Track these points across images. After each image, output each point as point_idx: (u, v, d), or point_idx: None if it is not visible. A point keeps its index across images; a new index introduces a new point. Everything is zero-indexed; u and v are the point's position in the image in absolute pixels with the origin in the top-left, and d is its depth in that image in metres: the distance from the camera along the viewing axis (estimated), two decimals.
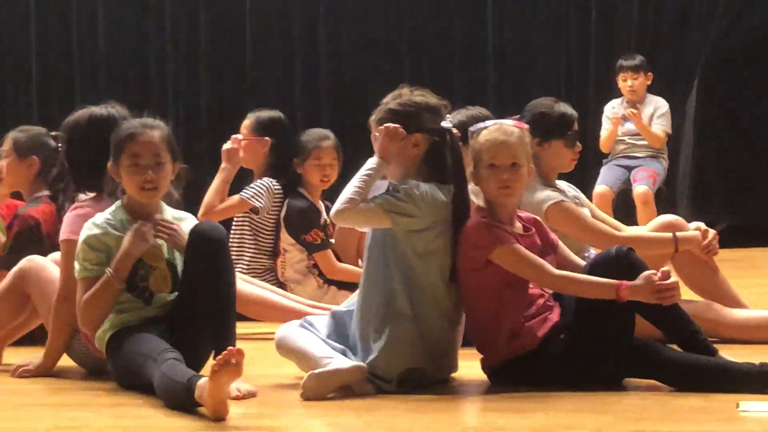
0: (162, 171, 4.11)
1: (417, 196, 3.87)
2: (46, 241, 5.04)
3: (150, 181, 4.08)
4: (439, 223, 3.93)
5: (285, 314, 5.24)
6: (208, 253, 4.01)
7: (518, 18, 11.09)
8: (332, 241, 6.28)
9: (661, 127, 8.87)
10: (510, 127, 4.02)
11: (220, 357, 3.40)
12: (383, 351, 3.87)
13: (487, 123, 4.06)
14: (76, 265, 4.14)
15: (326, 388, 3.76)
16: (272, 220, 6.30)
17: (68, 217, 4.44)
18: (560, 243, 4.17)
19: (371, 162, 3.99)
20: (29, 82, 11.59)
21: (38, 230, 5.14)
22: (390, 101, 4.07)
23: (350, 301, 4.62)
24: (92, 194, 4.53)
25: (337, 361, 3.85)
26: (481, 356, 4.07)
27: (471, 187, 4.16)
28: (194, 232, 4.08)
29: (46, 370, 4.46)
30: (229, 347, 3.45)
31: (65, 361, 4.60)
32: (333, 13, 11.25)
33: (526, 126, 4.14)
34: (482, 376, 4.06)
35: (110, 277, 4.00)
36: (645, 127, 8.78)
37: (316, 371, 3.78)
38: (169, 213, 4.24)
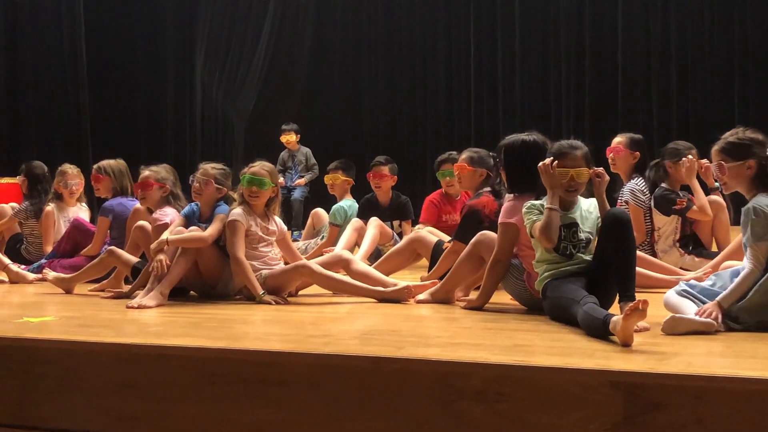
0: (582, 178, 4.33)
1: (761, 212, 3.89)
2: (486, 221, 5.30)
3: (572, 187, 4.33)
4: None
5: (650, 281, 5.34)
6: (621, 230, 4.13)
7: None
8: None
9: None
10: None
11: (632, 304, 3.46)
12: (753, 306, 3.87)
13: None
14: (526, 222, 4.39)
15: (678, 329, 3.77)
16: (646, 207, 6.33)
17: (504, 207, 4.70)
18: None
19: None
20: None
21: (480, 214, 5.41)
22: (729, 136, 4.11)
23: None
24: (514, 194, 4.72)
25: (692, 314, 3.87)
26: None
27: None
28: (611, 213, 4.22)
29: (479, 307, 4.70)
30: (640, 299, 3.50)
31: (500, 299, 4.87)
32: None
33: None
34: None
35: (550, 209, 4.23)
36: None
37: (677, 315, 3.83)
38: (585, 203, 4.43)
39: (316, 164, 11.18)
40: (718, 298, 3.89)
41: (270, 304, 5.05)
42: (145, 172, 6.01)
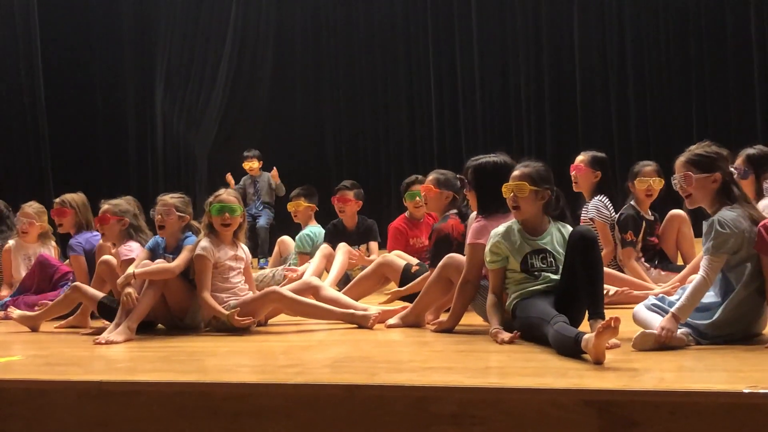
0: (522, 192, 4.37)
1: (726, 225, 3.90)
2: (455, 243, 5.27)
3: (514, 202, 4.38)
4: (743, 233, 3.90)
5: (621, 298, 5.37)
6: (586, 247, 4.14)
7: None
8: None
9: None
10: None
11: (605, 322, 3.50)
12: (721, 322, 3.90)
13: None
14: (486, 261, 4.45)
15: (649, 344, 3.79)
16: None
17: (472, 228, 4.70)
18: None
19: None
20: None
21: (449, 237, 5.36)
22: (696, 148, 4.15)
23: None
24: (483, 214, 4.74)
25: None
26: None
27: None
28: (576, 232, 4.26)
29: (450, 329, 4.70)
30: (612, 316, 3.52)
31: (470, 320, 4.84)
32: None
33: None
34: None
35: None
36: None
37: (647, 331, 3.85)
38: (554, 226, 4.44)
39: (281, 183, 11.04)
40: (672, 309, 3.90)
41: (241, 322, 5.01)
42: (104, 206, 5.85)
